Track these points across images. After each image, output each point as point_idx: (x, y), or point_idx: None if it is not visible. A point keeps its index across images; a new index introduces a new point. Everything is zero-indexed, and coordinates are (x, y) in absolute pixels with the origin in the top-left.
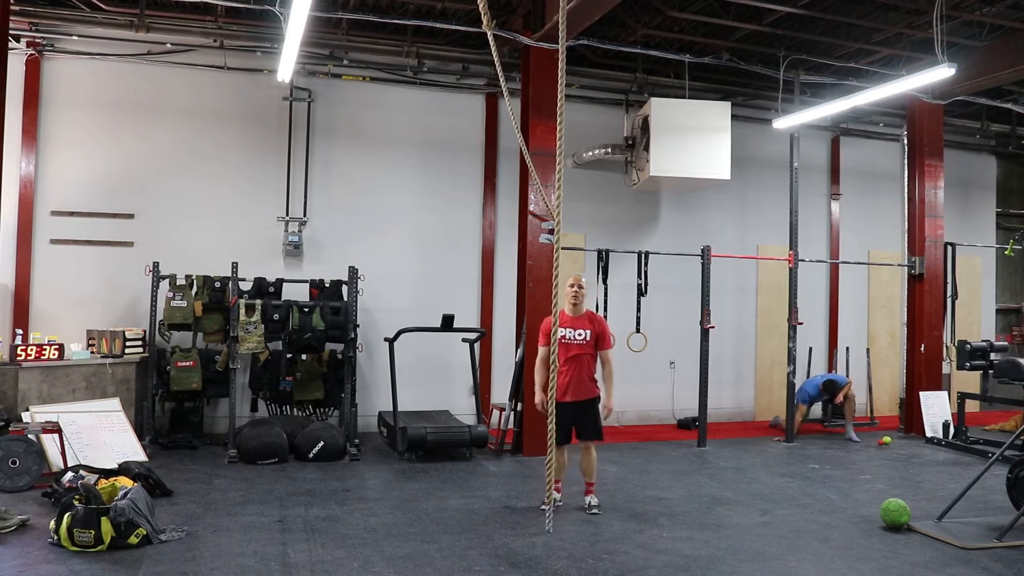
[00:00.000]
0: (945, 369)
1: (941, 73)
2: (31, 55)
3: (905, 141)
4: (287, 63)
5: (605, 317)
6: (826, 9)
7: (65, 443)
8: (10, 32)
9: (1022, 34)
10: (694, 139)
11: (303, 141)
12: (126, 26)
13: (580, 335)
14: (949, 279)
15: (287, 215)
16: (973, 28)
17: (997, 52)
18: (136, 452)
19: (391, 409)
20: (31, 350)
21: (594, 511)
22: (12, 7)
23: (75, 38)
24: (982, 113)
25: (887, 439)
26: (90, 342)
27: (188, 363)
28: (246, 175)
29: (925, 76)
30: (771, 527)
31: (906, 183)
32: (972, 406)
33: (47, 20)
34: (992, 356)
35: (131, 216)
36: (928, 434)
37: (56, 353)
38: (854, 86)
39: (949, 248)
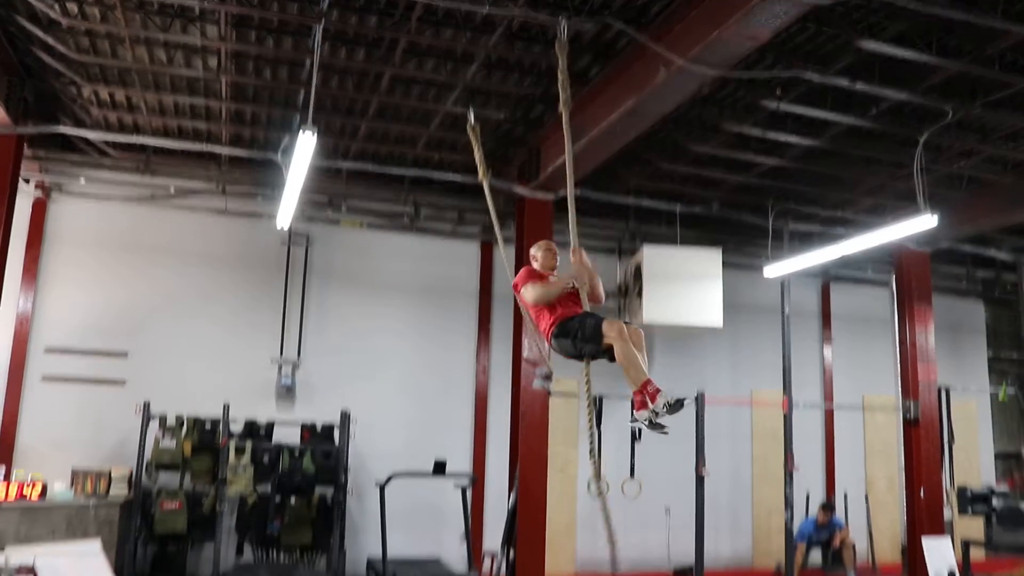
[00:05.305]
0: (947, 515)
1: (924, 223)
2: (38, 197)
3: (894, 287)
4: (287, 211)
5: (600, 464)
6: (812, 162)
7: None
8: (20, 176)
9: (998, 185)
10: (686, 286)
11: (299, 284)
12: (132, 170)
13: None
14: (945, 423)
15: (281, 357)
16: (952, 180)
17: (976, 202)
18: None
19: (380, 555)
20: (12, 490)
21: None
22: (25, 153)
23: (82, 181)
24: (967, 260)
25: None
26: (74, 481)
27: (174, 505)
28: (242, 316)
29: (909, 226)
30: None
31: (897, 328)
32: (977, 553)
33: (58, 164)
34: (994, 502)
35: (124, 355)
36: None
37: (38, 493)
38: (842, 234)
39: (943, 392)
